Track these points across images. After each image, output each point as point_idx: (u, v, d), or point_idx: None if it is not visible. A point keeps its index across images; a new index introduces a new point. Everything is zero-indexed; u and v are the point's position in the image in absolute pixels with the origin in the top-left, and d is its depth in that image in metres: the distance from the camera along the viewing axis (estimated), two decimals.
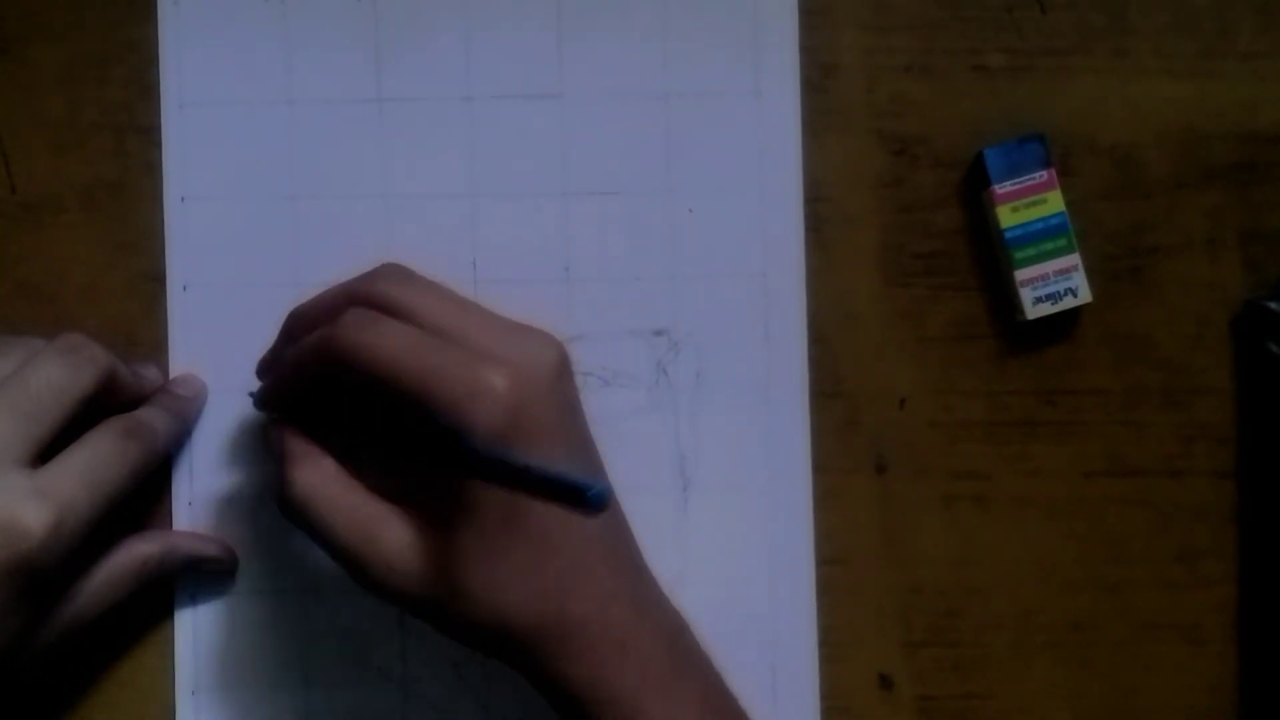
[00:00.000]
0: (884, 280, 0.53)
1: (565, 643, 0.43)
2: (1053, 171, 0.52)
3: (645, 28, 0.53)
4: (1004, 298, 0.53)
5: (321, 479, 0.45)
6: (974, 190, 0.53)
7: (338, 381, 0.44)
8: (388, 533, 0.44)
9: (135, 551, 0.49)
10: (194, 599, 0.52)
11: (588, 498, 0.38)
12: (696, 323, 0.53)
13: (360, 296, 0.45)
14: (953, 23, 0.54)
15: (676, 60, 0.53)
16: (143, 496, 0.51)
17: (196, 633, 0.52)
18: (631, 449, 0.52)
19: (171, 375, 0.52)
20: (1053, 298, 0.52)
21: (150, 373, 0.51)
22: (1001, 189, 0.52)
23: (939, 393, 0.53)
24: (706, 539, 0.52)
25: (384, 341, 0.43)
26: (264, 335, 0.51)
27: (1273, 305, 0.52)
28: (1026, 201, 0.52)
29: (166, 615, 0.52)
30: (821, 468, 0.53)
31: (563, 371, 0.44)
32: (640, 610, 0.45)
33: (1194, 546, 0.53)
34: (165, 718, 0.52)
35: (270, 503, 0.52)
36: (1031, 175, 0.52)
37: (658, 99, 0.53)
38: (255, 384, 0.50)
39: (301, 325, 0.48)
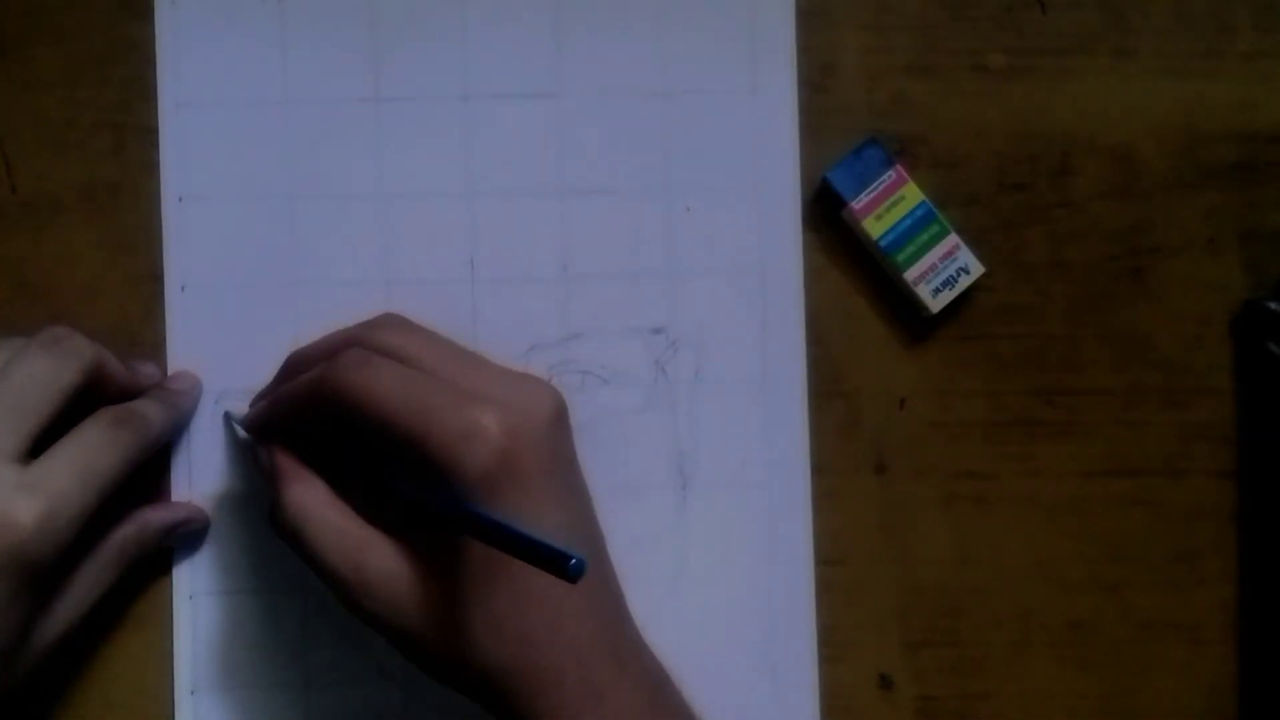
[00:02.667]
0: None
1: (542, 691, 0.43)
2: (899, 168, 0.52)
3: (642, 27, 0.53)
4: (908, 304, 0.53)
5: (314, 499, 0.46)
6: (831, 216, 0.53)
7: (331, 421, 0.45)
8: (375, 560, 0.44)
9: (112, 538, 0.49)
10: (193, 598, 0.52)
11: (567, 568, 0.38)
12: (695, 321, 0.53)
13: (357, 341, 0.46)
14: (953, 23, 0.54)
15: (674, 59, 0.53)
16: (142, 496, 0.51)
17: (196, 633, 0.52)
18: (630, 448, 0.52)
19: (169, 374, 0.52)
20: (949, 283, 0.52)
21: (148, 370, 0.51)
22: (858, 203, 0.52)
23: (939, 393, 0.53)
24: (705, 538, 0.52)
25: (379, 380, 0.43)
26: (262, 335, 0.52)
27: (1273, 305, 0.52)
28: (886, 206, 0.52)
29: (166, 615, 0.52)
30: (821, 468, 0.53)
31: (558, 419, 0.44)
32: (620, 661, 0.45)
33: (1194, 546, 0.53)
34: (165, 718, 0.52)
35: (269, 502, 0.52)
36: (880, 179, 0.52)
37: (655, 98, 0.53)
38: (258, 385, 0.50)
39: (299, 368, 0.48)
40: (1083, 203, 0.53)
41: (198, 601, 0.52)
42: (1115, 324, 0.53)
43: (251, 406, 0.51)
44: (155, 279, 0.52)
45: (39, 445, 0.45)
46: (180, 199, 0.52)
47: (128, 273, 0.52)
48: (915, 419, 0.53)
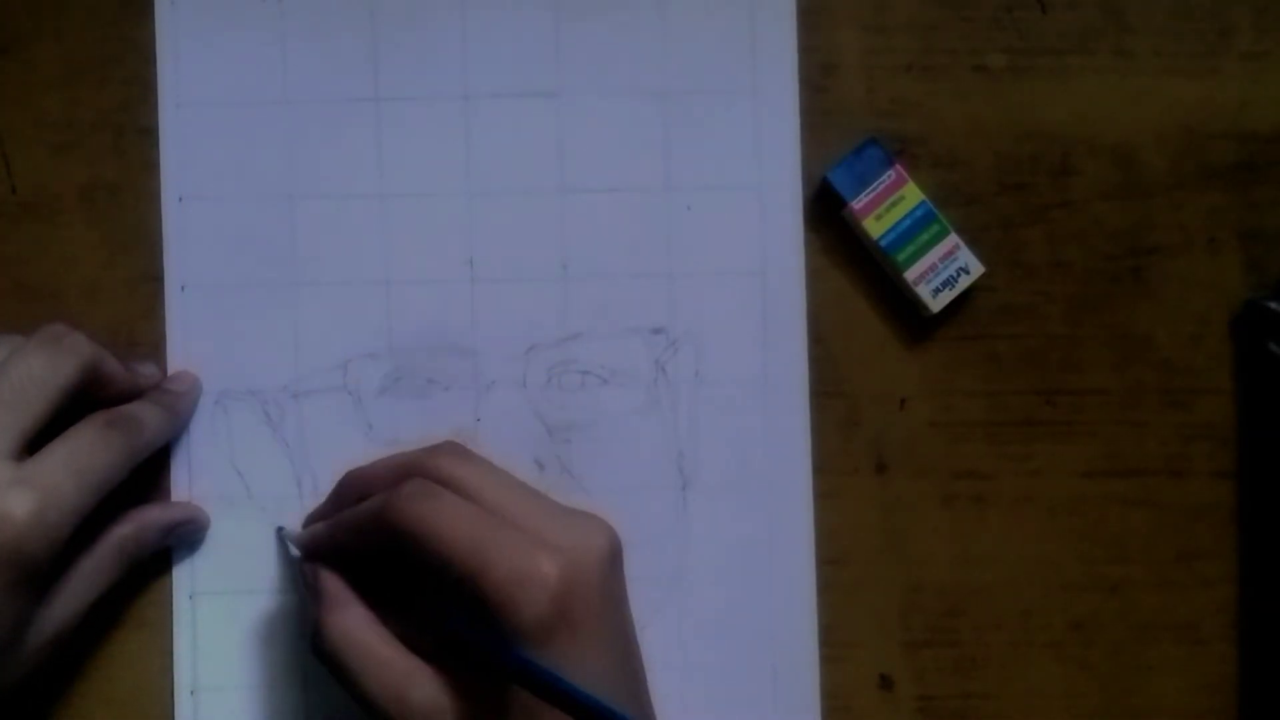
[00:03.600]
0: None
1: None
2: (898, 168, 0.52)
3: (643, 25, 0.53)
4: (908, 304, 0.53)
5: (356, 626, 0.45)
6: (832, 216, 0.53)
7: (389, 550, 0.44)
8: (417, 693, 0.44)
9: (111, 536, 0.49)
10: (193, 598, 0.52)
11: None
12: (695, 321, 0.53)
13: (419, 468, 0.45)
14: (953, 23, 0.54)
15: (674, 58, 0.53)
16: (142, 496, 0.51)
17: (196, 633, 0.52)
18: (630, 447, 0.52)
19: (168, 374, 0.52)
20: (949, 283, 0.52)
21: (148, 370, 0.51)
22: (858, 203, 0.52)
23: (939, 393, 0.53)
24: (706, 538, 0.52)
25: (441, 514, 0.43)
26: (262, 335, 0.52)
27: (1273, 305, 0.52)
28: (886, 206, 0.52)
29: (166, 615, 0.52)
30: (821, 468, 0.53)
31: (614, 562, 0.44)
32: None
33: (1194, 546, 0.53)
34: (165, 718, 0.52)
35: (269, 503, 0.52)
36: (880, 179, 0.52)
37: (655, 97, 0.53)
38: (258, 386, 0.50)
39: (356, 488, 0.48)
40: (1083, 203, 0.53)
41: (198, 601, 0.52)
42: (1115, 324, 0.53)
43: (305, 525, 0.51)
44: (155, 279, 0.52)
45: (35, 445, 0.46)
46: (180, 199, 0.52)
47: (128, 273, 0.52)
48: (915, 419, 0.53)
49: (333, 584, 0.46)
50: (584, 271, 0.53)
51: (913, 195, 0.52)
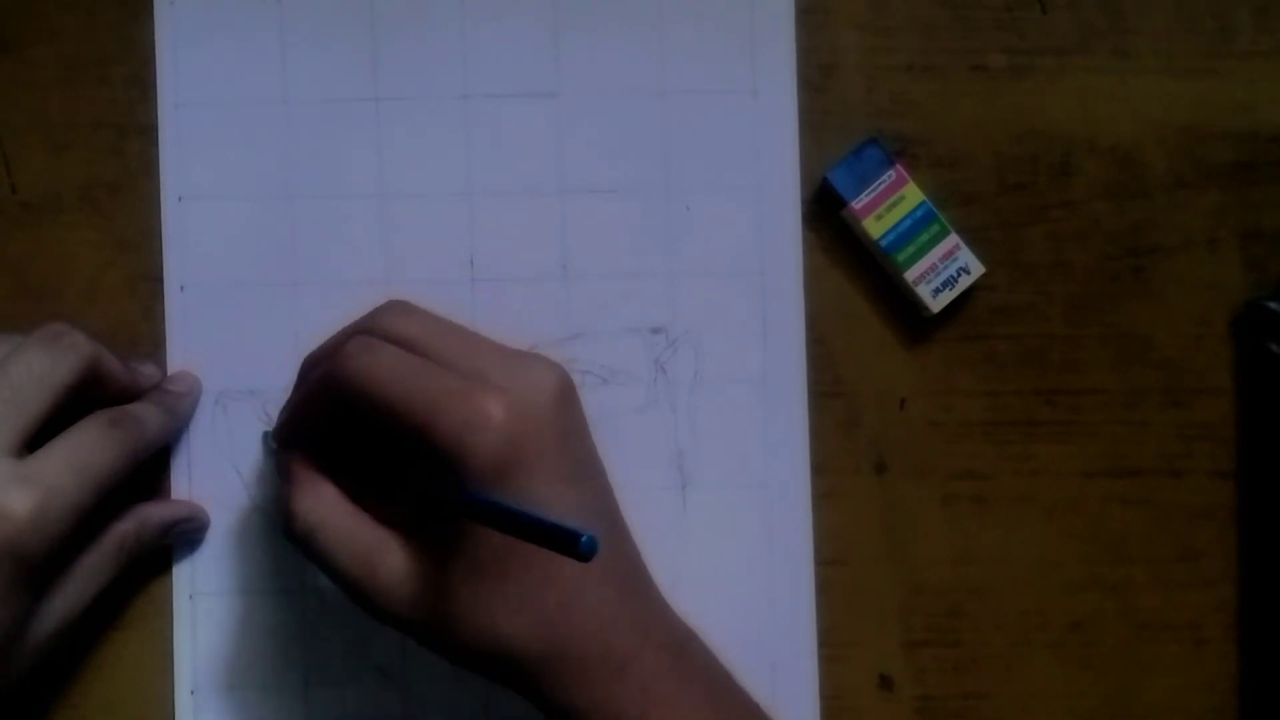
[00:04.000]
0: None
1: (565, 669, 0.43)
2: (899, 168, 0.52)
3: (642, 26, 0.53)
4: (908, 304, 0.53)
5: (325, 506, 0.45)
6: (831, 216, 0.53)
7: (344, 416, 0.45)
8: (388, 560, 0.44)
9: (111, 533, 0.49)
10: (193, 598, 0.52)
11: (578, 547, 0.38)
12: (694, 321, 0.53)
13: (362, 329, 0.46)
14: (953, 23, 0.54)
15: (673, 58, 0.53)
16: (142, 496, 0.51)
17: (196, 633, 0.52)
18: (629, 447, 0.52)
19: (169, 374, 0.52)
20: (949, 283, 0.52)
21: (148, 369, 0.51)
22: (858, 203, 0.52)
23: (939, 393, 0.53)
24: (705, 538, 0.52)
25: (382, 367, 0.43)
26: (262, 335, 0.52)
27: (1273, 305, 0.52)
28: (886, 206, 0.52)
29: (166, 615, 0.52)
30: (821, 468, 0.53)
31: (564, 397, 0.44)
32: (641, 629, 0.45)
33: (1194, 546, 0.53)
34: (165, 718, 0.52)
35: (269, 503, 0.52)
36: (880, 179, 0.52)
37: (654, 97, 0.53)
38: (257, 385, 0.50)
39: (311, 368, 0.48)
40: (1083, 203, 0.53)
41: (198, 601, 0.52)
42: (1115, 324, 0.53)
43: (277, 415, 0.50)
44: (155, 279, 0.52)
45: (35, 443, 0.46)
46: (180, 199, 0.52)
47: (127, 273, 0.52)
48: (915, 419, 0.53)
49: (299, 466, 0.47)
50: (584, 271, 0.53)
51: (913, 195, 0.52)
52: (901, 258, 0.52)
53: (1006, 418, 0.53)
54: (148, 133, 0.53)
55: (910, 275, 0.52)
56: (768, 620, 0.52)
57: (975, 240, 0.53)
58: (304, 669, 0.52)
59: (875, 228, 0.52)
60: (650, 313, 0.53)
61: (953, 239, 0.52)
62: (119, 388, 0.49)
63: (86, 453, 0.46)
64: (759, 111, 0.53)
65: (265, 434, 0.52)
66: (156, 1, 0.53)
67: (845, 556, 0.53)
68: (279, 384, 0.52)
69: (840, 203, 0.52)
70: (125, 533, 0.49)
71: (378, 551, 0.44)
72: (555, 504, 0.42)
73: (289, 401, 0.49)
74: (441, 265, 0.52)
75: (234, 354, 0.52)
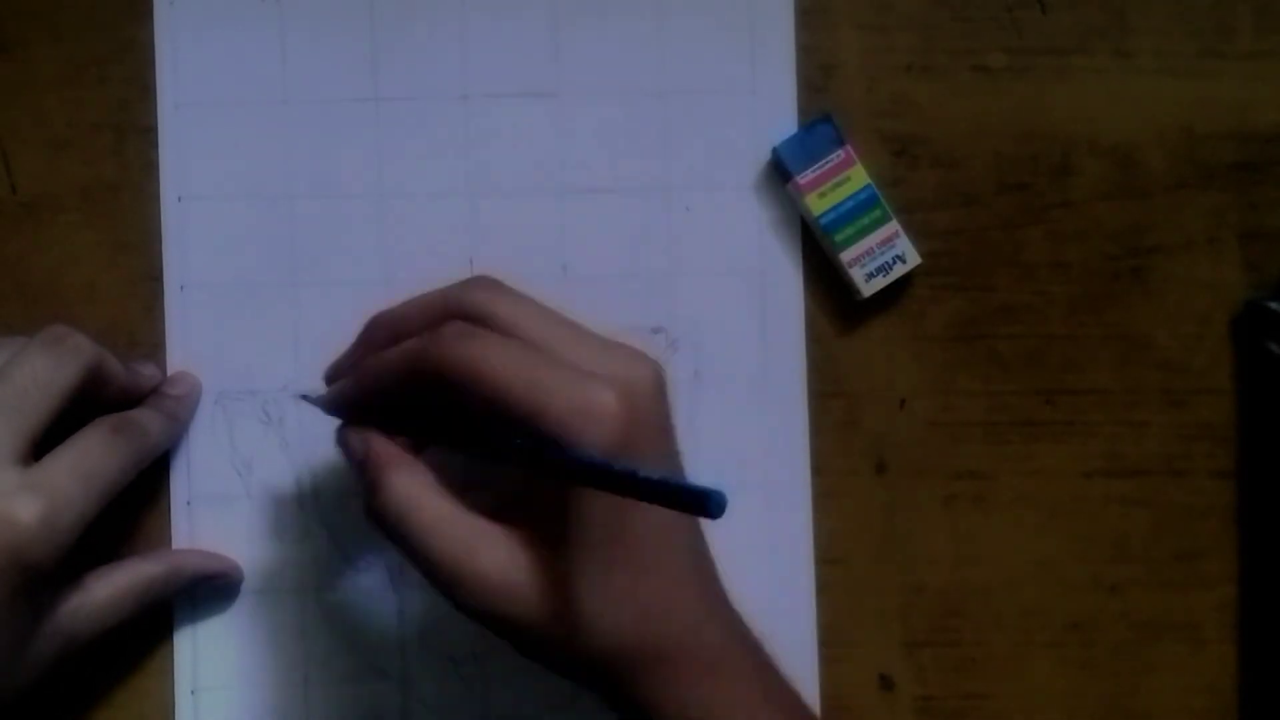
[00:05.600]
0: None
1: (659, 666, 0.42)
2: (848, 149, 0.52)
3: (642, 26, 0.53)
4: (841, 287, 0.53)
5: (421, 488, 0.43)
6: (778, 190, 0.53)
7: (428, 394, 0.43)
8: (489, 550, 0.42)
9: (140, 572, 0.49)
10: (193, 599, 0.52)
11: (709, 504, 0.37)
12: (694, 321, 0.53)
13: (454, 306, 0.44)
14: (953, 23, 0.54)
15: (673, 58, 0.53)
16: (141, 496, 0.51)
17: (196, 632, 0.52)
18: None
19: (168, 375, 0.52)
20: (883, 269, 0.52)
21: (148, 370, 0.51)
22: (803, 178, 0.52)
23: (939, 393, 0.53)
24: (705, 538, 0.52)
25: (490, 356, 0.41)
26: (262, 335, 0.52)
27: (1273, 305, 0.52)
28: (831, 184, 0.52)
29: (166, 615, 0.52)
30: (821, 468, 0.53)
31: (662, 389, 0.43)
32: (729, 631, 0.44)
33: (1194, 546, 0.53)
34: (165, 717, 0.52)
35: (269, 503, 0.52)
36: (828, 157, 0.52)
37: (655, 97, 0.53)
38: (257, 386, 0.50)
39: (384, 333, 0.46)
40: (1083, 203, 0.53)
41: (198, 602, 0.52)
42: (1115, 324, 0.53)
43: (328, 379, 0.48)
44: (155, 279, 0.52)
45: (39, 450, 0.45)
46: (179, 199, 0.52)
47: (127, 273, 0.52)
48: (915, 419, 0.53)
49: (385, 445, 0.44)
50: (583, 271, 0.53)
51: (859, 177, 0.52)
52: (839, 238, 0.52)
53: (1006, 418, 0.53)
54: (148, 133, 0.52)
55: (845, 256, 0.52)
56: (767, 620, 0.52)
57: (975, 240, 0.53)
58: (304, 669, 0.52)
59: (817, 205, 0.52)
60: (650, 313, 0.53)
61: (893, 226, 0.52)
62: (120, 390, 0.49)
63: (91, 461, 0.46)
64: (759, 111, 0.53)
65: (304, 397, 0.49)
66: (156, 1, 0.53)
67: (845, 556, 0.53)
68: (279, 384, 0.52)
69: (787, 176, 0.52)
70: (155, 576, 0.49)
71: (479, 539, 0.42)
72: None
73: (346, 365, 0.47)
74: (441, 265, 0.52)
75: (234, 354, 0.52)
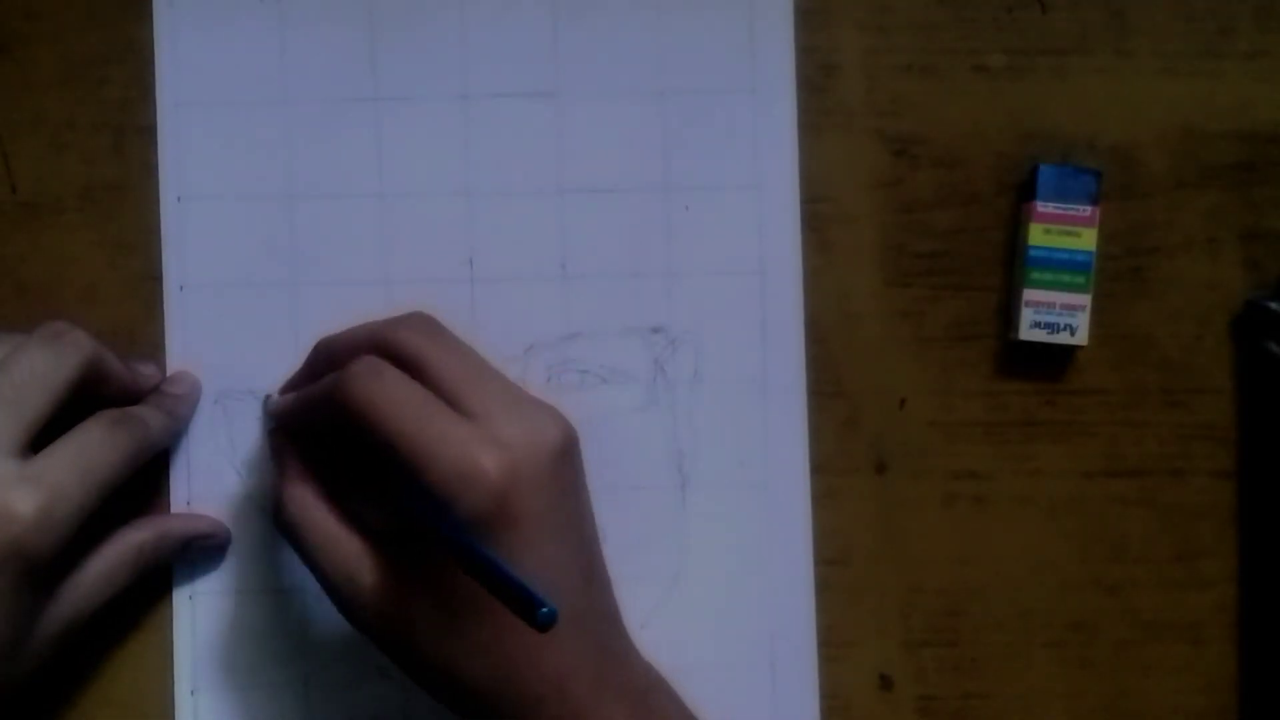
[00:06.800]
0: (884, 280, 0.53)
1: (521, 714, 0.44)
2: (1097, 210, 0.52)
3: (641, 25, 0.53)
4: (1005, 308, 0.53)
5: (312, 503, 0.46)
6: (1020, 196, 0.53)
7: (344, 426, 0.44)
8: (365, 573, 0.44)
9: (129, 540, 0.49)
10: (193, 598, 0.52)
11: (536, 617, 0.38)
12: (694, 320, 0.53)
13: (380, 340, 0.45)
14: (953, 23, 0.54)
15: (672, 57, 0.53)
16: (141, 496, 0.51)
17: (196, 632, 0.52)
18: (629, 447, 0.52)
19: (168, 374, 0.52)
20: (1050, 327, 0.52)
21: (148, 369, 0.51)
22: (1044, 208, 0.52)
23: (939, 393, 0.53)
24: (705, 537, 0.52)
25: (387, 398, 0.43)
26: (261, 334, 0.52)
27: (1273, 305, 0.52)
28: (1062, 229, 0.52)
29: (166, 615, 0.52)
30: (821, 467, 0.53)
31: (564, 454, 0.44)
32: (602, 680, 0.45)
33: (1194, 546, 0.53)
34: (165, 718, 0.52)
35: (269, 503, 0.52)
36: (1076, 206, 0.52)
37: (654, 96, 0.53)
38: (257, 385, 0.50)
39: (324, 358, 0.48)
40: None
41: (198, 601, 0.52)
42: (1115, 324, 0.53)
43: (281, 393, 0.51)
44: (154, 279, 0.52)
45: (37, 443, 0.46)
46: (179, 199, 0.52)
47: (127, 273, 0.52)
48: (915, 419, 0.53)
49: (291, 459, 0.47)
50: (583, 271, 0.53)
51: (1088, 240, 0.52)
52: (1035, 275, 0.52)
53: (1006, 418, 0.53)
54: (147, 133, 0.53)
55: (1028, 295, 0.52)
56: (768, 620, 0.52)
57: (976, 240, 0.53)
58: (304, 669, 0.52)
59: (1039, 237, 0.52)
60: (649, 312, 0.53)
61: (1085, 299, 0.52)
62: (120, 387, 0.49)
63: (90, 454, 0.46)
64: (759, 111, 0.53)
65: (266, 398, 0.52)
66: (156, 1, 0.53)
67: (845, 556, 0.53)
68: (278, 384, 0.52)
69: (1028, 195, 0.52)
70: (144, 541, 0.49)
71: (358, 560, 0.45)
72: (532, 560, 0.42)
73: (295, 382, 0.50)
74: (441, 265, 0.52)
75: (233, 354, 0.52)
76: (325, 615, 0.52)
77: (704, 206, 0.53)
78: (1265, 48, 0.54)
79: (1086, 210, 0.52)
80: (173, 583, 0.52)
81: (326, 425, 0.46)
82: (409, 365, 0.44)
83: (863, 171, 0.53)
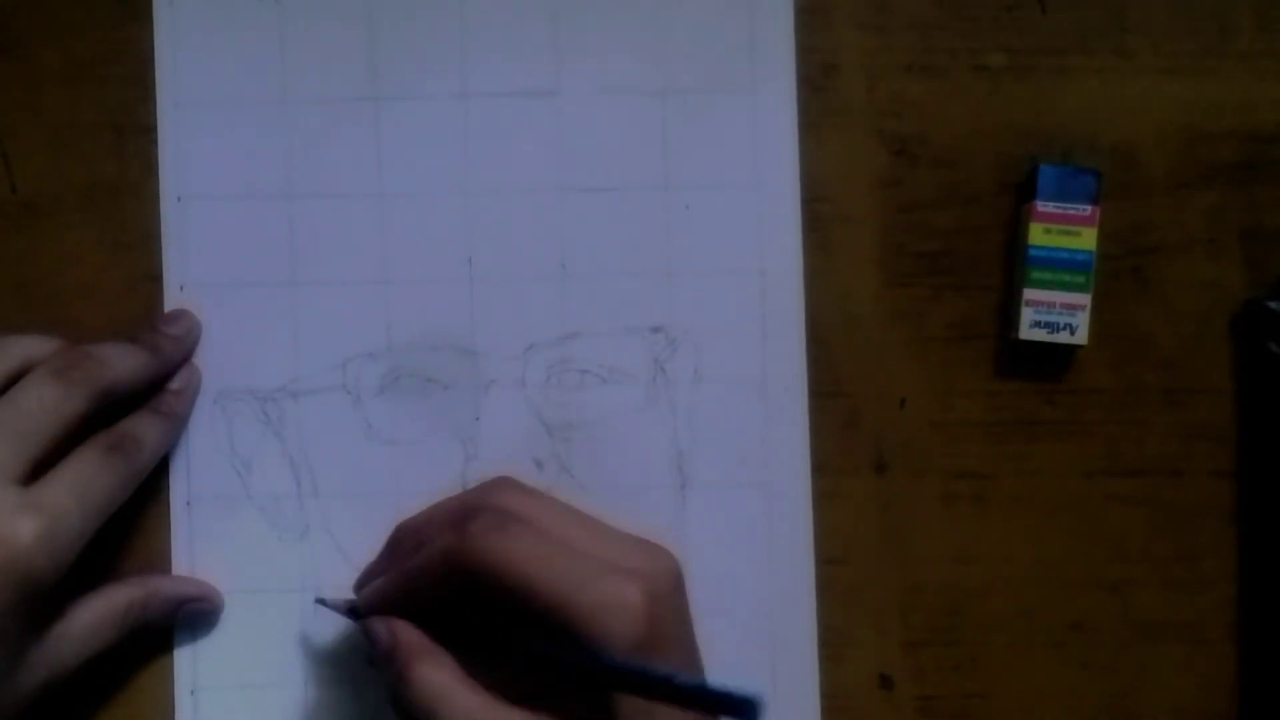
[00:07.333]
0: (884, 280, 0.53)
1: None
2: (1097, 209, 0.52)
3: (641, 25, 0.53)
4: (1005, 308, 0.53)
5: (448, 680, 0.43)
6: (1019, 196, 0.53)
7: (462, 593, 0.43)
8: None
9: (116, 597, 0.49)
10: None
11: (747, 706, 0.38)
12: (694, 320, 0.53)
13: (478, 507, 0.44)
14: (953, 23, 0.54)
15: (673, 57, 0.53)
16: (141, 497, 0.51)
17: (196, 632, 0.52)
18: (629, 447, 0.52)
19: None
20: (1050, 327, 0.52)
21: (175, 330, 0.51)
22: (1043, 207, 0.52)
23: (939, 393, 0.53)
24: (705, 537, 0.52)
25: (518, 546, 0.42)
26: (261, 334, 0.52)
27: (1273, 305, 0.52)
28: (1062, 229, 0.52)
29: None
30: (821, 467, 0.53)
31: (680, 583, 0.44)
32: None
33: (1194, 546, 0.53)
34: (165, 718, 0.52)
35: (268, 503, 0.52)
36: (1076, 205, 0.52)
37: (654, 96, 0.53)
38: (257, 385, 0.50)
39: (410, 538, 0.47)
40: None
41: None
42: (1115, 324, 0.53)
43: (357, 587, 0.49)
44: (154, 279, 0.52)
45: (39, 467, 0.46)
46: (179, 199, 0.52)
47: (127, 272, 0.53)
48: (915, 419, 0.53)
49: (413, 635, 0.45)
50: (583, 270, 0.53)
51: (1088, 240, 0.52)
52: (1035, 275, 0.52)
53: (1006, 418, 0.53)
54: (148, 133, 0.53)
55: (1028, 294, 0.52)
56: (768, 620, 0.52)
57: (976, 239, 0.53)
58: (304, 669, 0.52)
59: (1039, 237, 0.52)
60: (649, 312, 0.53)
61: (1085, 299, 0.52)
62: (136, 389, 0.49)
63: (88, 480, 0.47)
64: (759, 110, 0.53)
65: (322, 601, 0.50)
66: (156, 1, 0.53)
67: (845, 556, 0.53)
68: (278, 383, 0.52)
69: (1028, 195, 0.52)
70: (133, 599, 0.49)
71: None
72: None
73: (377, 569, 0.48)
74: (440, 264, 0.52)
75: (233, 354, 0.52)
76: (325, 616, 0.52)
77: (704, 206, 0.53)
78: (1265, 48, 0.54)
79: (1086, 210, 0.52)
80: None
81: (440, 597, 0.44)
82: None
83: (863, 171, 0.53)
